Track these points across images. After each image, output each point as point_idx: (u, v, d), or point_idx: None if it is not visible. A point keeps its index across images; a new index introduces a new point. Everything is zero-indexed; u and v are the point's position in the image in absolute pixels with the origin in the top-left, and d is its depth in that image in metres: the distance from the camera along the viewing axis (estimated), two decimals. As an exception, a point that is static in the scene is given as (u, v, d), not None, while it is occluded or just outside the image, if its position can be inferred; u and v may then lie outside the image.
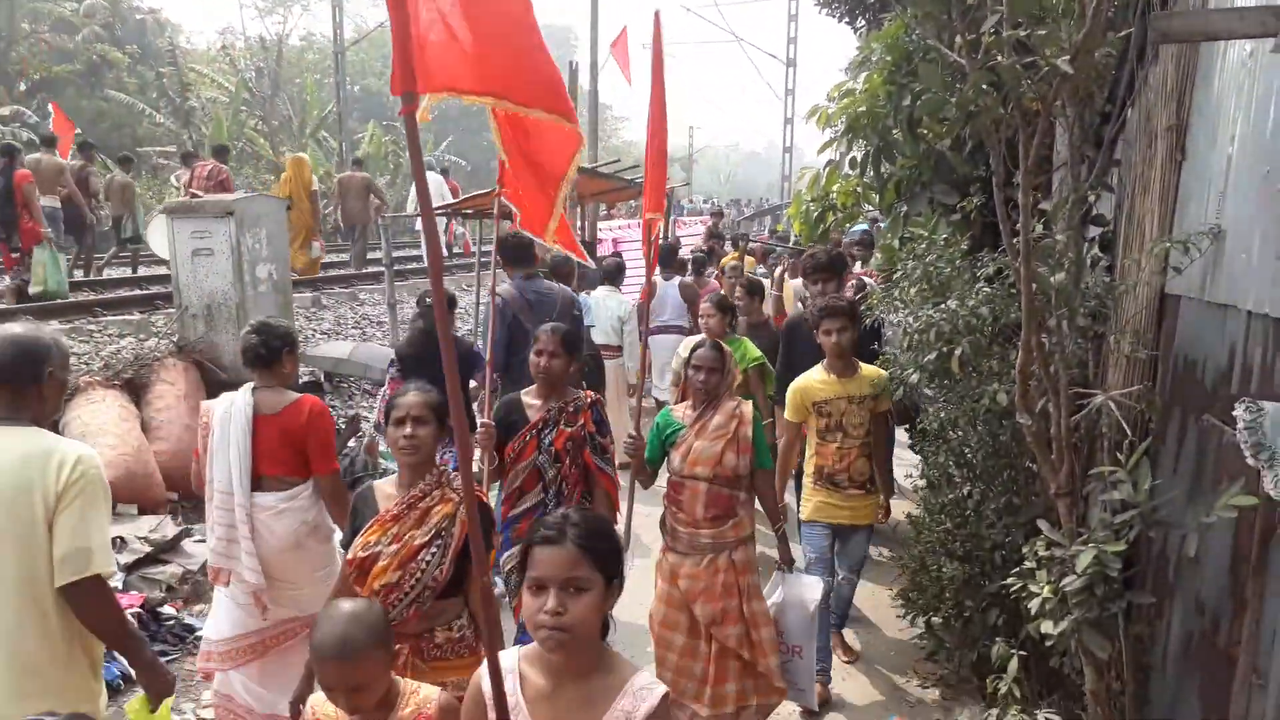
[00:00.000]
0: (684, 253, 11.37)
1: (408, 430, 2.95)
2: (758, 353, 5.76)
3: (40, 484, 2.51)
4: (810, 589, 4.10)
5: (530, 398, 4.00)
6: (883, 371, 4.47)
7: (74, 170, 12.85)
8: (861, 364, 4.53)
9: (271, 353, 3.72)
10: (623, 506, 4.15)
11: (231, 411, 3.66)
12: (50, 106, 17.60)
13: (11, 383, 2.61)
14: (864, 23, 9.98)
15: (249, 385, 3.75)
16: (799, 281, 7.30)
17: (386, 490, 3.06)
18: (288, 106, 31.24)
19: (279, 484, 3.67)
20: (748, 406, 3.95)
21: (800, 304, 6.05)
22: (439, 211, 13.22)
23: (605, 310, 7.72)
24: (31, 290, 10.31)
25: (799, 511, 4.72)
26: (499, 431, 3.97)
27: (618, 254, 12.08)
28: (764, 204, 36.39)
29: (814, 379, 4.50)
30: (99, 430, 6.22)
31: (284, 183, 14.01)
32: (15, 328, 2.74)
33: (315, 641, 2.21)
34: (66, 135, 14.74)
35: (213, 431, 3.66)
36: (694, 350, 4.01)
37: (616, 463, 4.09)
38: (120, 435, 6.22)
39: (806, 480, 4.60)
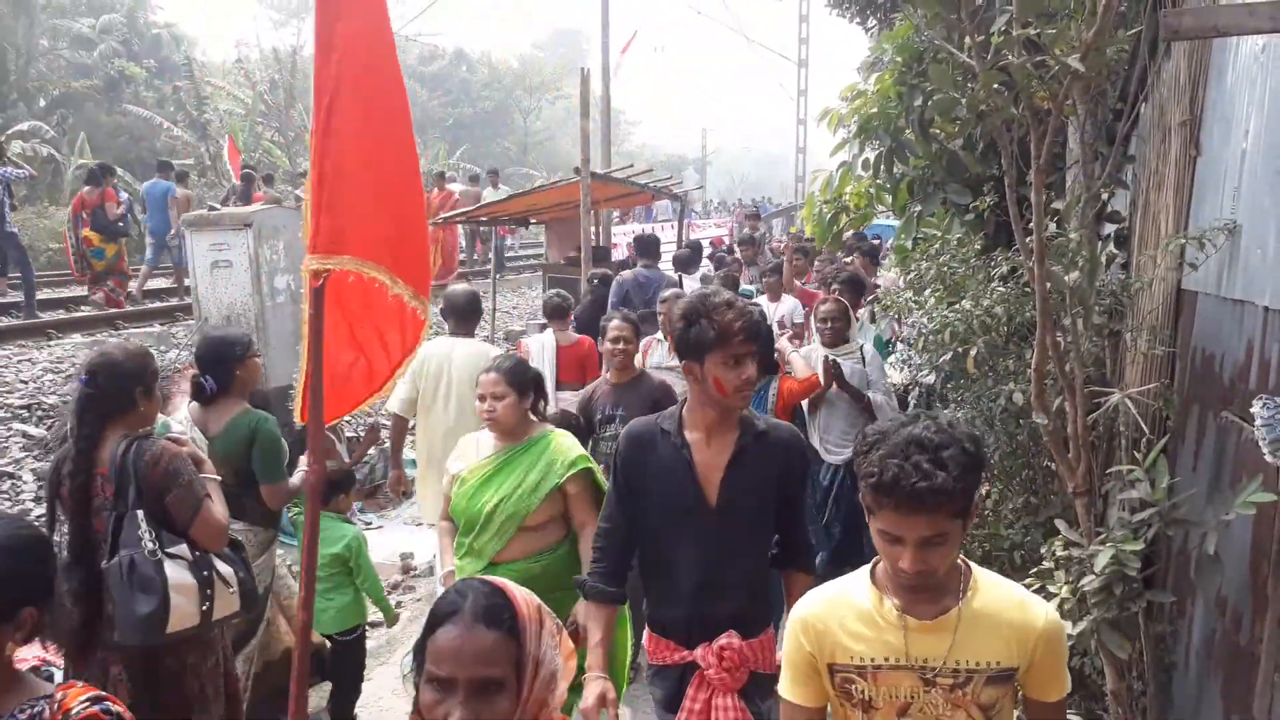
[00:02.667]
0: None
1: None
2: (577, 453, 3.47)
3: (481, 366, 4.12)
4: None
5: None
6: (1049, 612, 1.87)
7: (237, 191, 15.25)
8: (982, 574, 1.90)
9: (568, 307, 6.29)
10: None
11: (544, 343, 6.15)
12: (227, 140, 21.77)
13: (469, 317, 5.27)
14: (875, 23, 9.96)
15: (550, 330, 6.24)
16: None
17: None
18: (304, 117, 31.45)
19: (570, 387, 5.85)
20: None
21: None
22: (454, 218, 13.31)
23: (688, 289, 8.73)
24: None
25: None
26: None
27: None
28: (766, 205, 36.10)
29: (844, 603, 1.92)
30: (122, 442, 6.28)
31: None
32: (462, 286, 5.36)
33: None
34: (235, 163, 19.25)
35: (530, 356, 5.83)
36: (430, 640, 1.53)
37: None
38: (142, 447, 6.28)
39: None
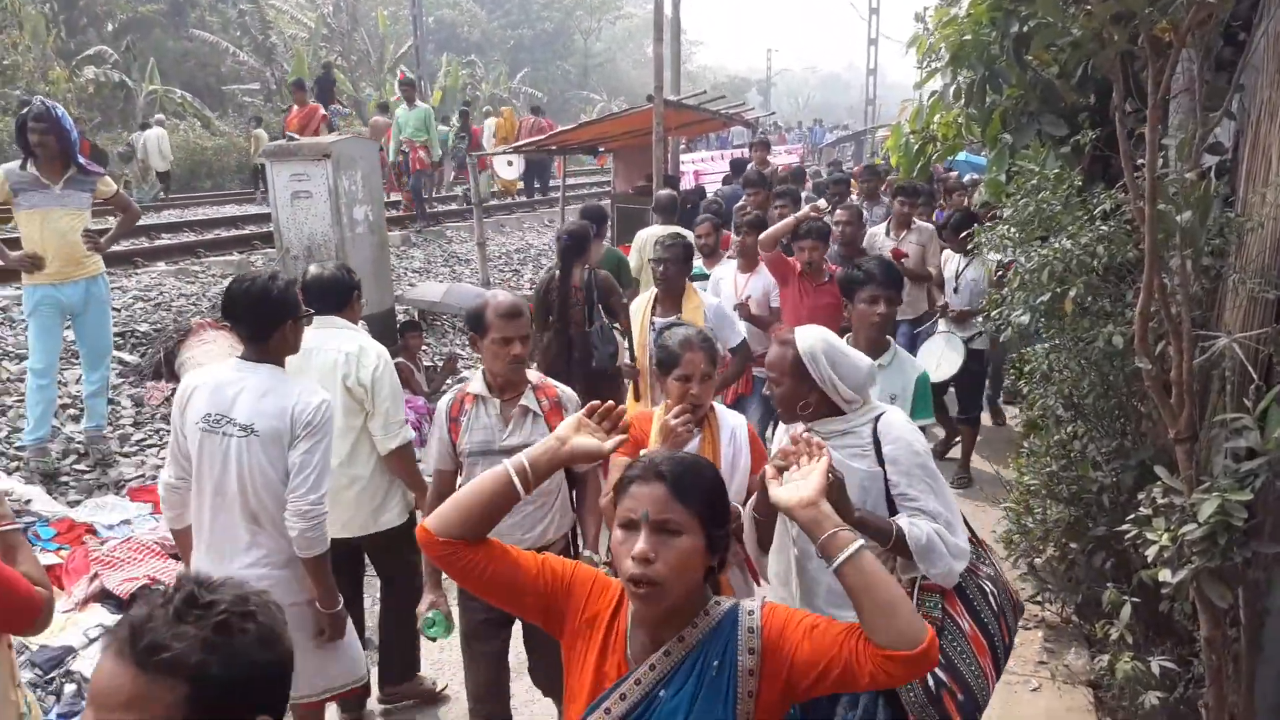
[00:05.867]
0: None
1: None
2: None
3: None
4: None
5: None
6: None
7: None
8: None
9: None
10: None
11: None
12: (398, 74, 22.97)
13: (670, 213, 7.50)
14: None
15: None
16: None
17: None
18: (365, 41, 31.39)
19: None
20: None
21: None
22: (523, 148, 13.27)
23: None
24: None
25: None
26: None
27: (700, 186, 11.99)
28: (819, 130, 34.80)
29: None
30: (211, 370, 6.48)
31: (498, 127, 19.60)
32: (666, 190, 7.90)
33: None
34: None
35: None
36: None
37: None
38: (231, 374, 6.47)
39: None
